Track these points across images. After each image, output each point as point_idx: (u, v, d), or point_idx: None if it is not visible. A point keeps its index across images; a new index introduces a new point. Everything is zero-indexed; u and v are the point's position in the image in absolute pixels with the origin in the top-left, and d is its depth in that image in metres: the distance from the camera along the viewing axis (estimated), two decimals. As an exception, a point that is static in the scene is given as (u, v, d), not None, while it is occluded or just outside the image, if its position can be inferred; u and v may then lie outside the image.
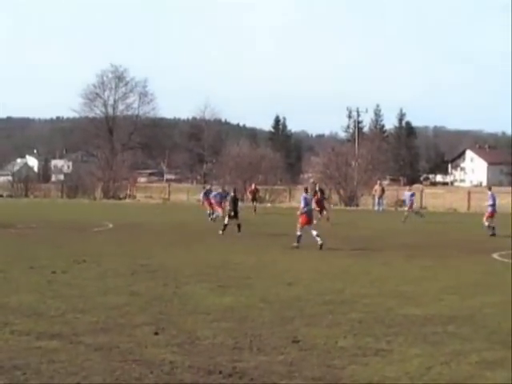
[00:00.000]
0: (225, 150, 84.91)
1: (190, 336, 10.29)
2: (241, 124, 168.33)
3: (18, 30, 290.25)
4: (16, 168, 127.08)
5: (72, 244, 25.11)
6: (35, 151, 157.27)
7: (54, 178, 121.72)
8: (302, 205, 25.23)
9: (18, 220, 35.96)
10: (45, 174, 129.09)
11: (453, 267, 19.44)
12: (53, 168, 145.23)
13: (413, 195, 42.84)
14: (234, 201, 31.02)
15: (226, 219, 30.32)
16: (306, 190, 27.49)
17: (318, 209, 36.14)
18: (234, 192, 32.42)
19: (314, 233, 24.31)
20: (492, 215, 31.84)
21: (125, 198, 77.00)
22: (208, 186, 45.22)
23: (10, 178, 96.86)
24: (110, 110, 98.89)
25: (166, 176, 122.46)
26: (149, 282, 15.74)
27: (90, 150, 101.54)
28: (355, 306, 12.99)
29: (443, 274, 17.94)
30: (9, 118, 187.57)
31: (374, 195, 57.22)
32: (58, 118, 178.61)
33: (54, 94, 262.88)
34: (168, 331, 10.59)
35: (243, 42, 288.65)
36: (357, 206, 64.28)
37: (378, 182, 56.77)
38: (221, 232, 29.36)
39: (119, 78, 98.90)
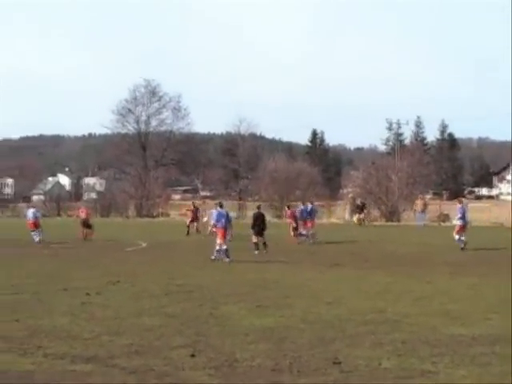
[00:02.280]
0: (261, 165, 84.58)
1: (227, 358, 9.97)
2: (276, 138, 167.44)
3: (51, 46, 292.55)
4: (48, 187, 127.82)
5: (106, 264, 24.96)
6: (67, 169, 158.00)
7: (86, 197, 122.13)
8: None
9: (51, 240, 35.89)
10: (77, 193, 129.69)
11: (499, 284, 18.85)
12: (85, 186, 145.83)
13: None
14: (259, 217, 30.65)
15: (254, 237, 29.92)
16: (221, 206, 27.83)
17: (293, 224, 35.90)
18: (258, 208, 32.08)
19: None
20: (462, 229, 31.35)
21: (158, 215, 76.98)
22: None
23: (42, 196, 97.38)
24: (143, 126, 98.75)
25: (201, 193, 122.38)
26: (185, 302, 15.44)
27: (123, 168, 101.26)
28: (398, 325, 12.56)
29: (489, 292, 17.35)
30: (41, 136, 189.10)
31: (415, 210, 56.66)
32: (89, 134, 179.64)
33: (86, 111, 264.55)
34: (205, 353, 10.27)
35: (278, 55, 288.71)
36: (398, 221, 63.63)
37: (420, 196, 56.34)
38: (256, 252, 28.99)
39: (152, 92, 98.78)
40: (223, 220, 26.89)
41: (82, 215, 39.66)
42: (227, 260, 25.43)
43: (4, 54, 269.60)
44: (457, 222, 31.83)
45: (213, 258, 26.00)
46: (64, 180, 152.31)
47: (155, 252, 30.81)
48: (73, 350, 10.49)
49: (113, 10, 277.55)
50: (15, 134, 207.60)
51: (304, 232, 35.79)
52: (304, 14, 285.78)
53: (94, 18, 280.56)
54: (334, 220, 57.52)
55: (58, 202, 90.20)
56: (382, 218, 64.88)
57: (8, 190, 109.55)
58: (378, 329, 12.21)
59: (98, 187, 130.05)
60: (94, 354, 10.22)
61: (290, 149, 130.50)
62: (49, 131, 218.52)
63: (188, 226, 43.10)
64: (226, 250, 25.96)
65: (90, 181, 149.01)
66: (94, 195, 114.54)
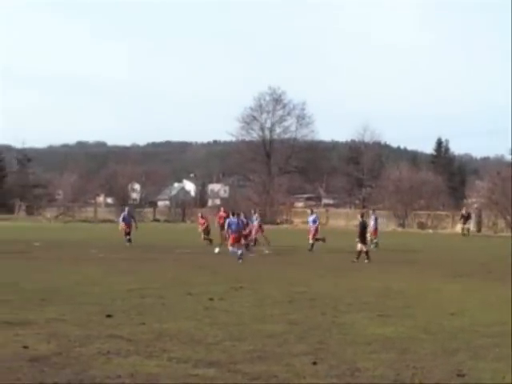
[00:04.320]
0: (384, 174, 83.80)
1: (349, 367, 9.88)
2: (402, 147, 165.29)
3: (178, 57, 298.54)
4: (173, 193, 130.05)
5: (228, 270, 25.22)
6: (192, 175, 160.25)
7: (210, 203, 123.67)
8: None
9: (176, 245, 36.50)
10: (201, 199, 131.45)
11: None
12: (209, 192, 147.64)
13: None
14: (363, 225, 30.52)
15: (359, 246, 29.74)
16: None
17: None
18: (362, 217, 31.77)
19: None
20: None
21: (282, 223, 77.18)
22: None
23: (167, 202, 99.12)
24: (267, 133, 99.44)
25: (324, 201, 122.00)
26: (307, 310, 15.43)
27: (247, 174, 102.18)
28: (523, 339, 12.18)
29: None
30: (168, 142, 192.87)
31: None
32: (214, 141, 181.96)
33: (212, 118, 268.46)
34: (327, 361, 10.21)
35: (403, 64, 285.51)
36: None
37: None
38: (366, 260, 28.85)
39: (277, 100, 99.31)
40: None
41: (202, 225, 40.16)
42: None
43: (136, 61, 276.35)
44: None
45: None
46: (189, 186, 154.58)
47: (278, 258, 30.94)
48: (196, 354, 10.61)
49: (239, 17, 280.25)
50: (142, 141, 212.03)
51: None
52: (431, 24, 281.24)
53: (223, 29, 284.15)
54: (458, 230, 56.46)
55: (183, 208, 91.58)
56: (508, 228, 63.16)
57: (135, 196, 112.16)
58: (502, 341, 11.89)
59: (222, 194, 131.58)
60: (217, 358, 10.31)
61: (414, 158, 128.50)
62: (176, 138, 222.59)
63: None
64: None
65: (214, 187, 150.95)
66: (218, 201, 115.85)
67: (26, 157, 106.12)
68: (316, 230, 37.45)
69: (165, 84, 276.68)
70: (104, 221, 78.82)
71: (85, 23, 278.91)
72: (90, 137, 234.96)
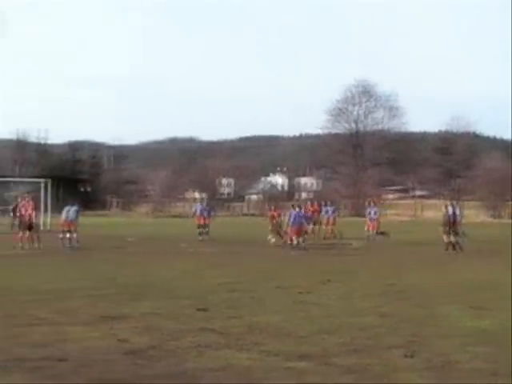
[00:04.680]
0: (477, 164, 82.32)
1: (443, 360, 9.73)
2: (497, 137, 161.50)
3: (266, 48, 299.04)
4: (262, 186, 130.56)
5: (315, 263, 25.22)
6: (280, 169, 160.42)
7: (297, 196, 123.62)
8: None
9: (262, 239, 36.56)
10: (289, 192, 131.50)
11: None
12: (298, 186, 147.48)
13: None
14: (451, 216, 30.08)
15: (445, 237, 29.35)
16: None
17: None
18: (447, 208, 31.13)
19: None
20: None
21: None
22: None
23: (257, 196, 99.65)
24: (357, 126, 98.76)
25: (415, 192, 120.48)
26: (398, 302, 15.31)
27: (335, 167, 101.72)
28: None
29: None
30: (257, 137, 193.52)
31: None
32: (303, 134, 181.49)
33: (299, 111, 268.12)
34: (420, 354, 10.09)
35: (494, 50, 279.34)
36: None
37: None
38: (455, 252, 28.51)
39: (366, 92, 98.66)
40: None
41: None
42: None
43: (224, 56, 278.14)
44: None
45: None
46: (278, 180, 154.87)
47: (366, 251, 30.82)
48: (287, 347, 10.62)
49: (329, 10, 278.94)
50: (232, 135, 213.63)
51: None
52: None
53: (313, 18, 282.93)
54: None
55: (273, 201, 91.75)
56: None
57: (227, 190, 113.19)
58: None
59: (309, 187, 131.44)
60: (308, 351, 10.30)
61: (508, 147, 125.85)
62: (265, 132, 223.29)
63: None
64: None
65: (303, 180, 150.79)
66: (305, 195, 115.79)
67: (120, 153, 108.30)
68: (377, 223, 37.38)
69: (253, 78, 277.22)
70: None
71: (175, 21, 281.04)
72: (181, 133, 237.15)
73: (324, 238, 37.29)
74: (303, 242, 31.58)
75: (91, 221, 54.02)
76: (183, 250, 30.84)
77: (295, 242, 30.93)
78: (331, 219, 39.35)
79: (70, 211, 32.21)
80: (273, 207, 40.13)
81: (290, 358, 9.85)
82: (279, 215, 36.99)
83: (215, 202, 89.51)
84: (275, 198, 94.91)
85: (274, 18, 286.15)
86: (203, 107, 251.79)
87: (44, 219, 46.10)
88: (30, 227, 30.23)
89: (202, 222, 37.91)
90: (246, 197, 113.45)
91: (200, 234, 37.48)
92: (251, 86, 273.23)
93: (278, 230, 35.70)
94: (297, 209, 32.07)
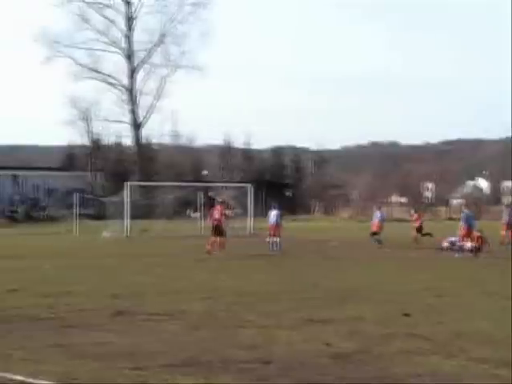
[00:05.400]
0: None
1: None
2: None
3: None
4: (466, 190, 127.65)
5: None
6: (485, 172, 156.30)
7: (504, 200, 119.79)
8: None
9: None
10: (494, 196, 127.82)
11: None
12: (503, 189, 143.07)
13: None
14: None
15: None
16: None
17: None
18: None
19: None
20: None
21: None
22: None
23: (460, 200, 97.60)
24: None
25: None
26: None
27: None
28: None
29: None
30: (459, 140, 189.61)
31: None
32: (509, 137, 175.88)
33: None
34: None
35: None
36: None
37: None
38: None
39: None
40: None
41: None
42: None
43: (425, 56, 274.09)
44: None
45: None
46: (483, 183, 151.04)
47: None
48: (496, 354, 10.46)
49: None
50: (434, 139, 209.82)
51: None
52: None
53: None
54: None
55: (477, 205, 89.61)
56: None
57: (428, 194, 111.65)
58: None
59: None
60: None
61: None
62: (467, 135, 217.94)
63: None
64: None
65: (508, 184, 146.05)
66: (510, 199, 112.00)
67: (323, 158, 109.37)
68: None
69: (460, 78, 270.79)
70: (398, 220, 79.05)
71: (380, 23, 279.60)
72: (384, 137, 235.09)
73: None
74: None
75: (295, 225, 54.90)
76: (387, 255, 30.69)
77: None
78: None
79: (273, 215, 33.01)
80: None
81: (500, 366, 9.69)
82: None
83: (420, 206, 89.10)
84: (478, 202, 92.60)
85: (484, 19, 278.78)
86: (404, 111, 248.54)
87: (249, 223, 47.50)
88: (217, 232, 30.37)
89: (378, 229, 37.15)
90: (454, 201, 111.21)
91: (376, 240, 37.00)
92: (453, 87, 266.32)
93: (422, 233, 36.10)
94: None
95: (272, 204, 34.76)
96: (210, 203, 41.41)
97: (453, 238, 32.39)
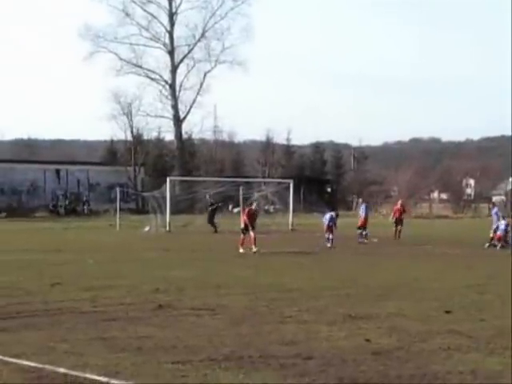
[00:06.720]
0: None
1: None
2: None
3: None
4: (508, 187, 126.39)
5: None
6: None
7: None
8: None
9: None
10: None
11: None
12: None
13: None
14: None
15: None
16: None
17: None
18: None
19: None
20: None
21: None
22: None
23: (503, 197, 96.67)
24: None
25: None
26: None
27: None
28: None
29: None
30: (502, 136, 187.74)
31: None
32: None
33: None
34: None
35: None
36: None
37: None
38: None
39: None
40: None
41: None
42: None
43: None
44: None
45: None
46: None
47: None
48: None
49: None
50: (476, 135, 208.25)
51: None
52: None
53: None
54: None
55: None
56: None
57: (469, 191, 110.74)
58: None
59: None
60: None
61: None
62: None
63: None
64: None
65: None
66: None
67: (363, 154, 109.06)
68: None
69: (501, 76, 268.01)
70: (439, 216, 78.59)
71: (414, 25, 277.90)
72: (424, 133, 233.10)
73: None
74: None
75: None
76: (429, 251, 30.49)
77: None
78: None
79: (327, 217, 33.12)
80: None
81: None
82: None
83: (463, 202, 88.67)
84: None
85: None
86: (446, 107, 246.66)
87: (290, 219, 47.47)
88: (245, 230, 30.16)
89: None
90: (494, 198, 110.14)
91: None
92: (495, 84, 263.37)
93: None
94: None
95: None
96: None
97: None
